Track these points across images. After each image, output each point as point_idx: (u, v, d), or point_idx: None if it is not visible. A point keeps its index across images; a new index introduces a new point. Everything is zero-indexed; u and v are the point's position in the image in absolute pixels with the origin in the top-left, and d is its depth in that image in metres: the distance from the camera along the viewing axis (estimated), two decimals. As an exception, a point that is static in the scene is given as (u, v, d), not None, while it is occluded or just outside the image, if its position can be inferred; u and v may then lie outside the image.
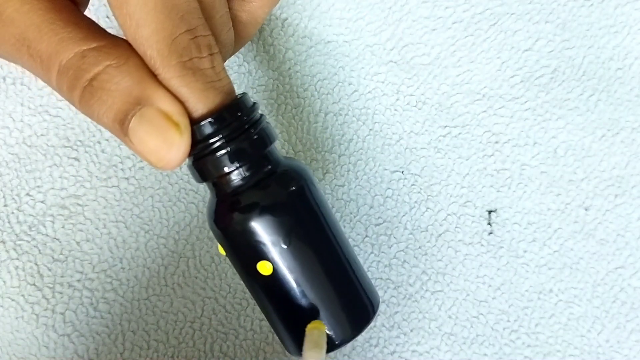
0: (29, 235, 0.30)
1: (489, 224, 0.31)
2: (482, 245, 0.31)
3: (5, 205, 0.30)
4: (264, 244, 0.22)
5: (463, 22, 0.31)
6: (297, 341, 0.24)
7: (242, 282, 0.30)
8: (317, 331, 0.22)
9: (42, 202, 0.30)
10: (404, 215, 0.31)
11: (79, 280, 0.30)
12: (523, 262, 0.31)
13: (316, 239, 0.24)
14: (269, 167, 0.23)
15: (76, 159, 0.30)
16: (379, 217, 0.31)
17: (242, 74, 0.31)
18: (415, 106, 0.31)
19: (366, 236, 0.31)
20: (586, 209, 0.32)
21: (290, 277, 0.23)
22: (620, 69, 0.31)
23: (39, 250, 0.30)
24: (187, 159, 0.22)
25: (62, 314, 0.30)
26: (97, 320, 0.30)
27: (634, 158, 0.31)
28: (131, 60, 0.20)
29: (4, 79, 0.30)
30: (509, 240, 0.31)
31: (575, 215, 0.31)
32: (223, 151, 0.21)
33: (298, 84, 0.31)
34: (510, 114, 0.31)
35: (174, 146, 0.20)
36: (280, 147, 0.31)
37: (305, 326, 0.24)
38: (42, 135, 0.30)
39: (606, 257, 0.32)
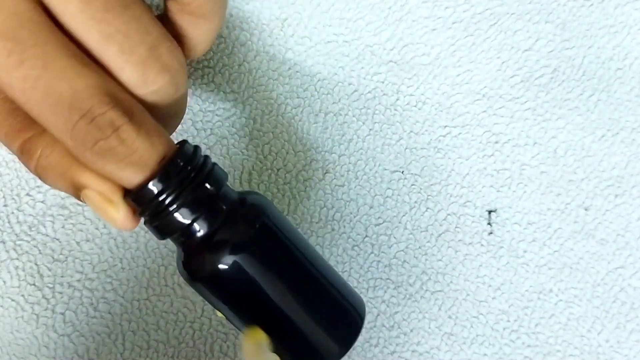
0: (29, 235, 0.30)
1: (489, 224, 0.31)
2: (482, 245, 0.31)
3: (5, 205, 0.30)
4: (240, 283, 0.22)
5: (463, 22, 0.31)
6: None
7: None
8: (256, 341, 0.23)
9: (42, 202, 0.30)
10: (404, 215, 0.31)
11: (79, 280, 0.30)
12: (523, 262, 0.31)
13: (290, 266, 0.24)
14: (227, 207, 0.22)
15: (76, 159, 0.30)
16: (379, 217, 0.31)
17: (242, 73, 0.31)
18: (415, 106, 0.31)
19: (366, 236, 0.31)
20: (586, 209, 0.32)
21: (272, 310, 0.23)
22: (620, 69, 0.31)
23: (39, 250, 0.30)
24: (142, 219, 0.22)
25: (62, 314, 0.30)
26: (97, 320, 0.30)
27: (634, 158, 0.31)
28: (56, 149, 0.21)
29: (4, 79, 0.30)
30: (509, 240, 0.31)
31: (575, 215, 0.31)
32: (174, 207, 0.21)
33: (298, 84, 0.31)
34: (510, 114, 0.31)
35: (117, 220, 0.21)
36: (281, 147, 0.31)
37: (299, 353, 0.24)
38: (42, 135, 0.30)
39: (606, 257, 0.32)
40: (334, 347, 0.24)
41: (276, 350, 0.24)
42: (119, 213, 0.21)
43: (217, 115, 0.31)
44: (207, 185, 0.22)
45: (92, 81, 0.19)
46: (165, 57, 0.20)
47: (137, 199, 0.21)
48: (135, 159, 0.20)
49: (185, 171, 0.21)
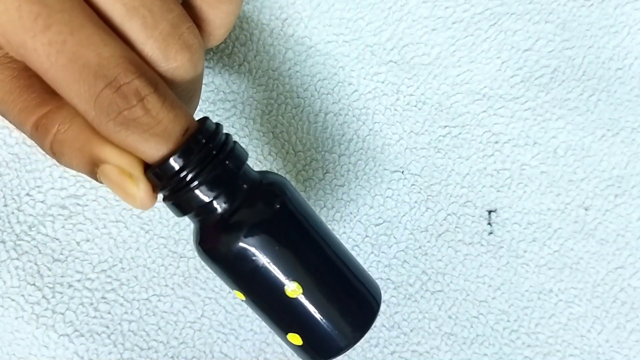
0: (29, 235, 0.30)
1: (489, 224, 0.31)
2: (482, 245, 0.31)
3: (5, 205, 0.30)
4: (257, 263, 0.22)
5: (463, 22, 0.31)
6: (306, 349, 0.24)
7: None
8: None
9: (42, 202, 0.30)
10: (404, 215, 0.31)
11: (79, 280, 0.30)
12: (523, 262, 0.31)
13: (308, 248, 0.23)
14: (247, 187, 0.22)
15: (76, 159, 0.30)
16: (379, 217, 0.31)
17: (242, 74, 0.31)
18: (415, 106, 0.31)
19: (366, 236, 0.31)
20: (586, 209, 0.32)
21: (287, 295, 0.23)
22: (620, 69, 0.31)
23: (39, 250, 0.30)
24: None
25: (62, 314, 0.30)
26: (97, 320, 0.30)
27: (634, 158, 0.31)
28: (74, 123, 0.20)
29: (4, 79, 0.30)
30: (509, 240, 0.31)
31: (575, 215, 0.31)
32: (195, 184, 0.21)
33: (298, 84, 0.31)
34: (510, 114, 0.31)
35: (136, 196, 0.20)
36: (281, 147, 0.31)
37: (314, 335, 0.24)
38: (42, 135, 0.30)
39: (606, 257, 0.32)
40: (349, 332, 0.24)
41: (291, 336, 0.24)
42: (139, 189, 0.20)
43: (217, 115, 0.31)
44: (228, 163, 0.21)
45: (119, 50, 0.19)
46: (186, 36, 0.20)
47: (158, 173, 0.21)
48: (160, 131, 0.19)
49: (207, 148, 0.21)
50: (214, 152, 0.21)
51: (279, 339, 0.31)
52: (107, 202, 0.30)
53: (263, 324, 0.31)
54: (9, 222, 0.30)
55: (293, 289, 0.23)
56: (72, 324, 0.30)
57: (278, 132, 0.31)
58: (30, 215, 0.30)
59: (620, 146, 0.31)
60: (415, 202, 0.31)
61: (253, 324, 0.31)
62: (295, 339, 0.24)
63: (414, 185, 0.31)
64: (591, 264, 0.32)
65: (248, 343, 0.31)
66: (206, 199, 0.21)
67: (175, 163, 0.20)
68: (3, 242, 0.30)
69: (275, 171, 0.31)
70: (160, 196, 0.22)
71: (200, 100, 0.30)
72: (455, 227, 0.31)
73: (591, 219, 0.32)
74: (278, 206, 0.22)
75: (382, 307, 0.31)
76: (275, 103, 0.31)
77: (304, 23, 0.31)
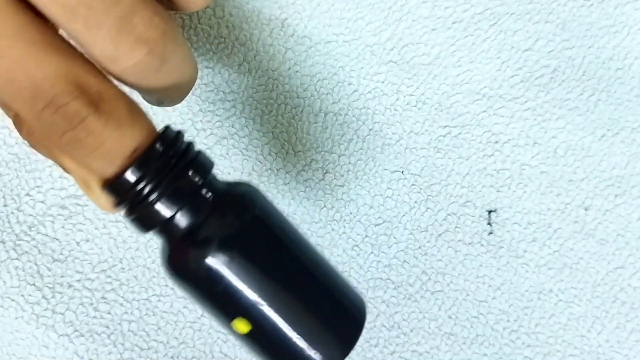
0: (29, 235, 0.30)
1: (489, 224, 0.31)
2: (482, 245, 0.31)
3: (5, 205, 0.30)
4: (229, 280, 0.20)
5: (463, 22, 0.31)
6: None
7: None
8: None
9: (42, 202, 0.30)
10: (404, 215, 0.31)
11: (79, 280, 0.30)
12: (523, 262, 0.31)
13: (283, 259, 0.22)
14: (213, 198, 0.21)
15: (76, 159, 0.30)
16: (379, 217, 0.31)
17: (242, 74, 0.31)
18: (415, 106, 0.31)
19: (366, 236, 0.31)
20: (586, 209, 0.32)
21: (263, 311, 0.21)
22: (620, 69, 0.31)
23: (39, 250, 0.30)
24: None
25: (62, 314, 0.30)
26: (97, 320, 0.30)
27: (634, 158, 0.31)
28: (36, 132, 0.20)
29: (4, 79, 0.30)
30: (509, 240, 0.31)
31: (575, 215, 0.31)
32: (154, 197, 0.19)
33: (298, 84, 0.31)
34: (510, 114, 0.31)
35: (100, 206, 0.20)
36: (281, 147, 0.31)
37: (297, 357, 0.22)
38: (42, 135, 0.30)
39: (606, 257, 0.32)
40: (332, 352, 0.22)
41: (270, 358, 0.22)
42: (99, 200, 0.20)
43: (217, 115, 0.31)
44: (191, 174, 0.20)
45: (53, 68, 0.17)
46: (140, 28, 0.18)
47: (112, 189, 0.19)
48: (105, 151, 0.18)
49: (166, 158, 0.19)
50: (173, 162, 0.19)
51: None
52: (107, 202, 0.30)
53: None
54: (9, 222, 0.30)
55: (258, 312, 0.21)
56: (72, 324, 0.30)
57: (278, 132, 0.31)
58: (30, 215, 0.30)
59: (620, 146, 0.31)
60: (415, 202, 0.31)
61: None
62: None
63: (414, 185, 0.31)
64: (591, 264, 0.32)
65: (248, 343, 0.31)
66: (168, 213, 0.20)
67: (131, 176, 0.19)
68: (3, 242, 0.30)
69: (275, 172, 0.31)
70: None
71: (200, 100, 0.30)
72: (455, 227, 0.31)
73: (591, 219, 0.32)
74: (247, 219, 0.21)
75: (382, 307, 0.31)
76: (275, 103, 0.31)
77: (304, 23, 0.31)
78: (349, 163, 0.31)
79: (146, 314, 0.30)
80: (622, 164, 0.32)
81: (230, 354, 0.31)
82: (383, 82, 0.31)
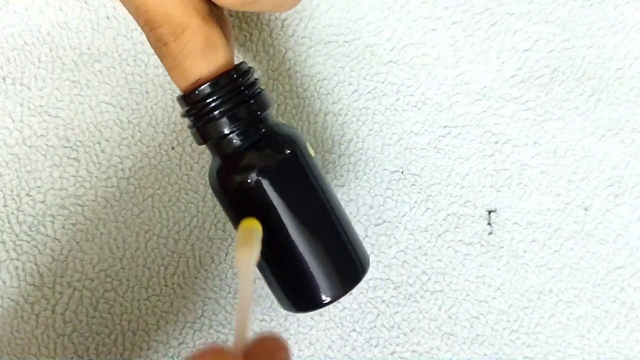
0: (29, 235, 0.30)
1: (489, 224, 0.31)
2: (482, 245, 0.31)
3: (5, 206, 0.30)
4: (260, 203, 0.24)
5: (463, 22, 0.31)
6: (290, 296, 0.25)
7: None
8: (250, 228, 0.23)
9: (42, 202, 0.30)
10: (404, 216, 0.31)
11: (79, 280, 0.30)
12: (523, 262, 0.31)
13: (308, 199, 0.25)
14: (264, 130, 0.24)
15: (76, 159, 0.30)
16: (379, 217, 0.31)
17: (242, 74, 0.31)
18: (415, 106, 0.31)
19: (366, 236, 0.31)
20: (586, 209, 0.32)
21: (282, 235, 0.24)
22: (620, 69, 0.31)
23: (39, 250, 0.30)
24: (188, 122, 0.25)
25: (62, 314, 0.30)
26: (97, 320, 0.30)
27: (634, 158, 0.31)
28: None
29: (4, 79, 0.30)
30: (509, 240, 0.31)
31: (575, 215, 0.31)
32: (217, 113, 0.23)
33: (298, 84, 0.31)
34: (510, 114, 0.31)
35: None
36: (280, 147, 0.31)
37: (298, 283, 0.25)
38: (42, 135, 0.30)
39: (606, 257, 0.32)
40: (330, 288, 0.25)
41: (274, 279, 0.25)
42: None
43: (217, 115, 0.31)
44: (251, 103, 0.24)
45: None
46: None
47: (185, 98, 0.24)
48: (179, 71, 0.23)
49: (234, 84, 0.23)
50: (240, 90, 0.23)
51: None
52: (107, 202, 0.30)
53: (263, 324, 0.31)
54: (9, 222, 0.30)
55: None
56: (72, 324, 0.30)
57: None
58: (30, 215, 0.30)
59: (620, 146, 0.31)
60: (415, 202, 0.31)
61: (253, 324, 0.31)
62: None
63: (414, 185, 0.31)
64: (591, 264, 0.32)
65: (248, 343, 0.31)
66: (225, 131, 0.23)
67: (202, 91, 0.23)
68: (3, 242, 0.30)
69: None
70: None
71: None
72: (455, 227, 0.31)
73: (591, 219, 0.32)
74: (287, 153, 0.24)
75: (382, 307, 0.31)
76: (275, 103, 0.31)
77: (304, 23, 0.31)
78: (349, 163, 0.31)
79: (146, 314, 0.30)
80: (622, 164, 0.32)
81: (230, 354, 0.31)
82: (383, 82, 0.31)
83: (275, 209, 0.24)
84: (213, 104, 0.23)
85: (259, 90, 0.24)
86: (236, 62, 0.24)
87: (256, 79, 0.24)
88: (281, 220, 0.24)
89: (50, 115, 0.30)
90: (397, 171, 0.31)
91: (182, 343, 0.31)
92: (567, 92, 0.31)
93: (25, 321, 0.30)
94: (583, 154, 0.31)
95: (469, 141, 0.31)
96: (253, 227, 0.23)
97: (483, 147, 0.31)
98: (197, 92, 0.23)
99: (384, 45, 0.31)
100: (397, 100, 0.31)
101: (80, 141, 0.30)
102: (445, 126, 0.31)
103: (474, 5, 0.31)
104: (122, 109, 0.30)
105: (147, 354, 0.30)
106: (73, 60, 0.30)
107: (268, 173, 0.24)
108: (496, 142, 0.31)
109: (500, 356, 0.31)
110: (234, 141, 0.24)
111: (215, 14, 0.25)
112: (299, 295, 0.25)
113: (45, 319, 0.30)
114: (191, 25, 0.23)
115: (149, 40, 0.24)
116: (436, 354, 0.31)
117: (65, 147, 0.30)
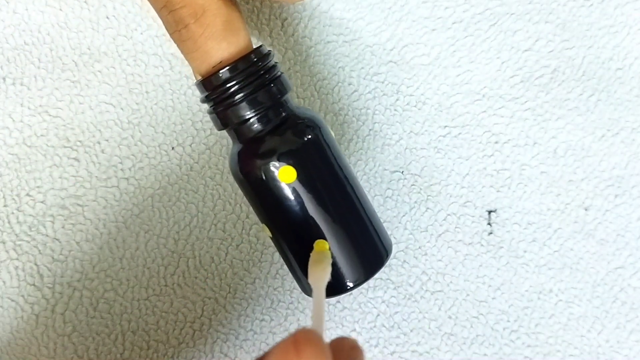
0: (29, 235, 0.30)
1: (489, 224, 0.31)
2: (482, 245, 0.31)
3: (5, 206, 0.30)
4: (282, 189, 0.24)
5: (463, 22, 0.31)
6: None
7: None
8: (322, 251, 0.23)
9: (42, 202, 0.30)
10: (404, 216, 0.31)
11: (79, 280, 0.30)
12: (523, 262, 0.31)
13: (331, 184, 0.25)
14: (285, 114, 0.24)
15: (76, 159, 0.30)
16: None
17: (242, 74, 0.31)
18: (415, 106, 0.31)
19: (366, 236, 0.31)
20: (586, 209, 0.32)
21: (306, 220, 0.24)
22: (620, 69, 0.31)
23: (39, 250, 0.30)
24: (207, 107, 0.24)
25: (62, 314, 0.30)
26: (97, 320, 0.30)
27: (634, 158, 0.31)
28: None
29: (4, 79, 0.30)
30: (509, 240, 0.31)
31: (575, 215, 0.31)
32: (237, 98, 0.23)
33: (298, 84, 0.31)
34: (510, 114, 0.31)
35: None
36: (280, 147, 0.31)
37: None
38: (42, 135, 0.30)
39: (606, 257, 0.32)
40: (354, 273, 0.25)
41: (297, 264, 0.25)
42: None
43: (217, 115, 0.31)
44: (272, 87, 0.23)
45: None
46: None
47: (203, 84, 0.23)
48: (200, 54, 0.23)
49: (254, 68, 0.23)
50: (260, 73, 0.23)
51: (278, 340, 0.31)
52: (107, 202, 0.30)
53: (263, 324, 0.31)
54: (9, 222, 0.30)
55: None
56: (72, 324, 0.30)
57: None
58: (30, 215, 0.30)
59: (620, 146, 0.31)
60: (415, 202, 0.31)
61: (253, 324, 0.31)
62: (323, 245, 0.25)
63: (414, 185, 0.31)
64: (591, 264, 0.32)
65: (248, 343, 0.31)
66: (246, 116, 0.23)
67: (222, 76, 0.23)
68: (3, 242, 0.30)
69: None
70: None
71: (200, 100, 0.30)
72: (455, 227, 0.31)
73: (591, 219, 0.32)
74: (308, 138, 0.24)
75: (382, 307, 0.31)
76: (275, 103, 0.31)
77: (304, 23, 0.31)
78: (349, 163, 0.31)
79: (146, 314, 0.30)
80: (622, 164, 0.32)
81: (230, 354, 0.31)
82: (383, 82, 0.31)
83: (297, 193, 0.24)
84: (233, 89, 0.23)
85: (279, 73, 0.24)
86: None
87: (276, 63, 0.24)
88: (304, 205, 0.24)
89: (50, 115, 0.30)
90: (397, 171, 0.31)
91: (182, 343, 0.31)
92: (567, 92, 0.31)
93: (25, 321, 0.30)
94: (583, 154, 0.31)
95: (469, 141, 0.31)
96: (325, 250, 0.23)
97: (483, 147, 0.31)
98: (219, 75, 0.23)
99: (384, 45, 0.31)
100: (397, 100, 0.31)
101: (80, 141, 0.30)
102: (445, 126, 0.31)
103: (474, 5, 0.31)
104: (122, 109, 0.30)
105: (147, 353, 0.30)
106: (73, 60, 0.30)
107: (290, 158, 0.23)
108: (496, 142, 0.31)
109: (500, 356, 0.31)
110: (255, 125, 0.24)
111: None
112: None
113: (45, 319, 0.30)
114: (212, 7, 0.23)
115: (166, 24, 0.23)
116: (436, 354, 0.31)
117: (65, 147, 0.30)
